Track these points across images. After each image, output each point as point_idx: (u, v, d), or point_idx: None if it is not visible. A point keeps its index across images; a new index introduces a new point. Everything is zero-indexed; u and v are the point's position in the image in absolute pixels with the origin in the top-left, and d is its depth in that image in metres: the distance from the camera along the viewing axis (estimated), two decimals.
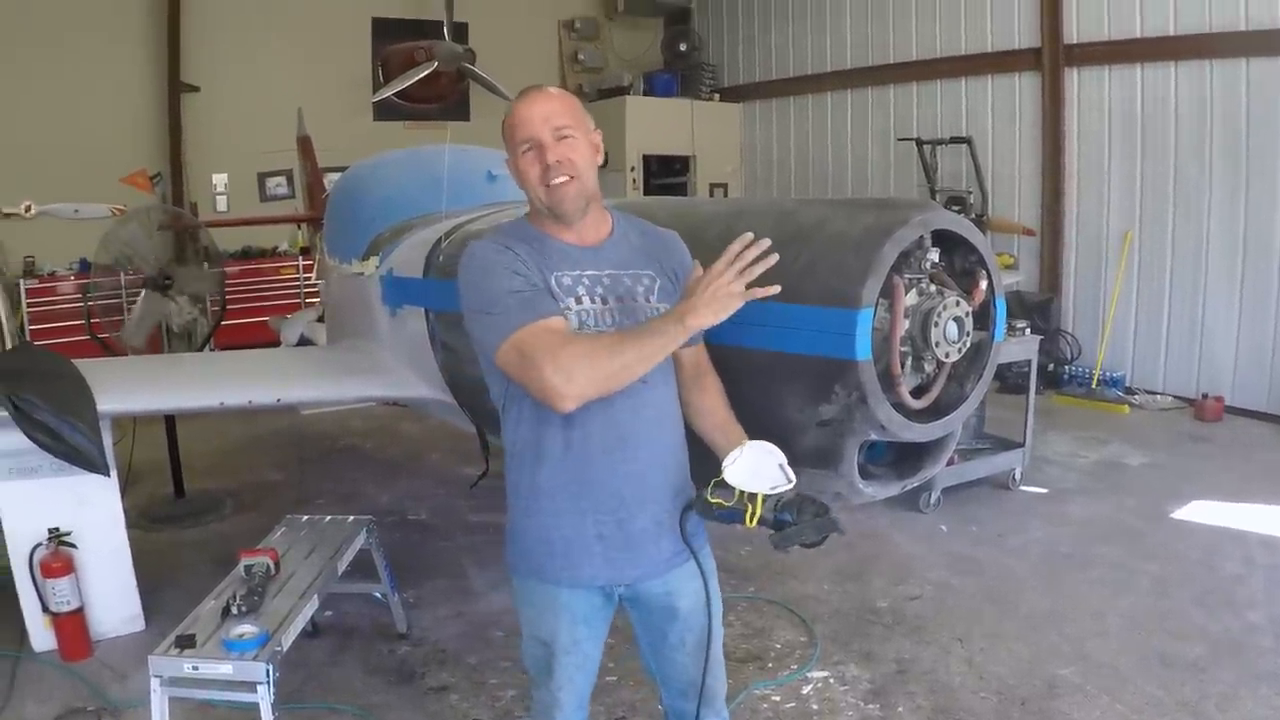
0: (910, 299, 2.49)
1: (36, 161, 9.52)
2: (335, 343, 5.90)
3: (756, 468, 2.08)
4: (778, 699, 3.85)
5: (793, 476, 2.09)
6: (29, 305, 9.72)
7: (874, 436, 2.54)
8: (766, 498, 2.08)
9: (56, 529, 4.17)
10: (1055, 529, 5.58)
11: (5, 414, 3.91)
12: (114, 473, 4.30)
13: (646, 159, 12.69)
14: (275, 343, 8.11)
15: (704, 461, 2.30)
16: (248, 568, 3.57)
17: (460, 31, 10.53)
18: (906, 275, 2.47)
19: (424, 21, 10.87)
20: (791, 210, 2.82)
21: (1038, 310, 8.92)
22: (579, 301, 2.22)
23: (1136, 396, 8.63)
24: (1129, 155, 8.83)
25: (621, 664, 3.80)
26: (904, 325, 2.47)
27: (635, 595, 2.40)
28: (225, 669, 2.97)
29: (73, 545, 4.19)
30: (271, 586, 3.50)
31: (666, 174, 13.01)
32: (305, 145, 9.47)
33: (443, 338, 4.13)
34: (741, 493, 2.08)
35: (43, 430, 3.94)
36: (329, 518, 4.30)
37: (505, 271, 2.16)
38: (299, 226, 11.00)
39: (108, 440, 4.21)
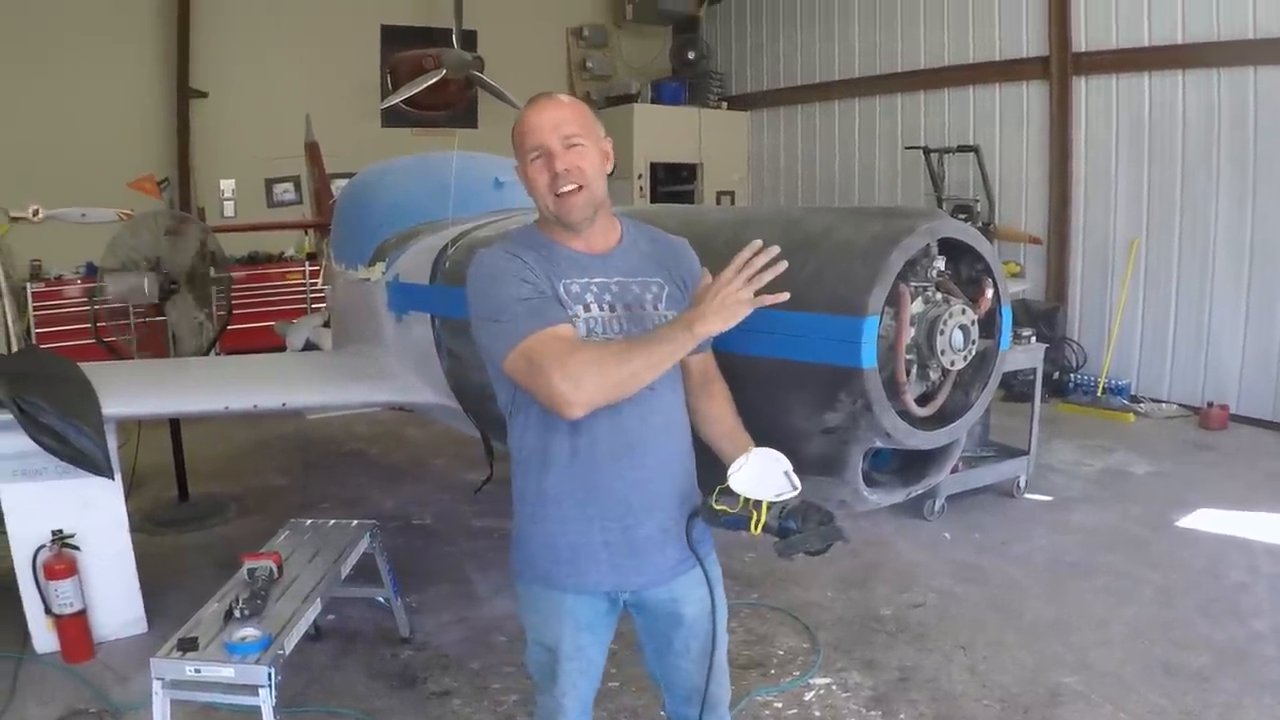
0: (916, 307, 2.48)
1: (44, 166, 9.56)
2: (341, 348, 5.91)
3: (762, 475, 2.08)
4: (780, 706, 3.84)
5: (798, 484, 2.09)
6: (35, 308, 9.75)
7: (879, 444, 2.54)
8: (771, 505, 2.08)
9: (60, 531, 4.17)
10: (1059, 537, 5.57)
11: (11, 416, 3.92)
12: (118, 476, 4.30)
13: (654, 167, 12.73)
14: (281, 348, 8.12)
15: (711, 468, 2.30)
16: (251, 571, 3.57)
17: (469, 39, 10.58)
18: (913, 283, 2.47)
19: (433, 29, 10.88)
20: (798, 218, 2.82)
21: (1043, 318, 8.91)
22: (587, 309, 2.22)
23: (1142, 405, 8.61)
24: (1136, 164, 8.82)
25: (624, 670, 3.80)
26: (909, 333, 2.47)
27: (640, 602, 2.40)
28: (227, 672, 2.97)
29: (76, 547, 4.19)
30: (274, 590, 3.50)
31: (674, 182, 13.04)
32: (313, 151, 9.49)
33: (448, 344, 4.13)
34: (746, 500, 2.08)
35: (48, 433, 3.96)
36: (333, 522, 4.30)
37: (513, 279, 2.16)
38: (306, 232, 11.02)
39: (112, 443, 4.22)
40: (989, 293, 2.61)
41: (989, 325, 2.64)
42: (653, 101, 13.14)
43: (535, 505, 2.31)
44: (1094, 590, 4.86)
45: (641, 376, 2.06)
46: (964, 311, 2.52)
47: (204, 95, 10.98)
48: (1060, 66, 9.20)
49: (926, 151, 10.09)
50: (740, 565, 5.02)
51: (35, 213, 9.03)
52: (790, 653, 4.26)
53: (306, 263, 11.16)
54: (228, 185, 11.35)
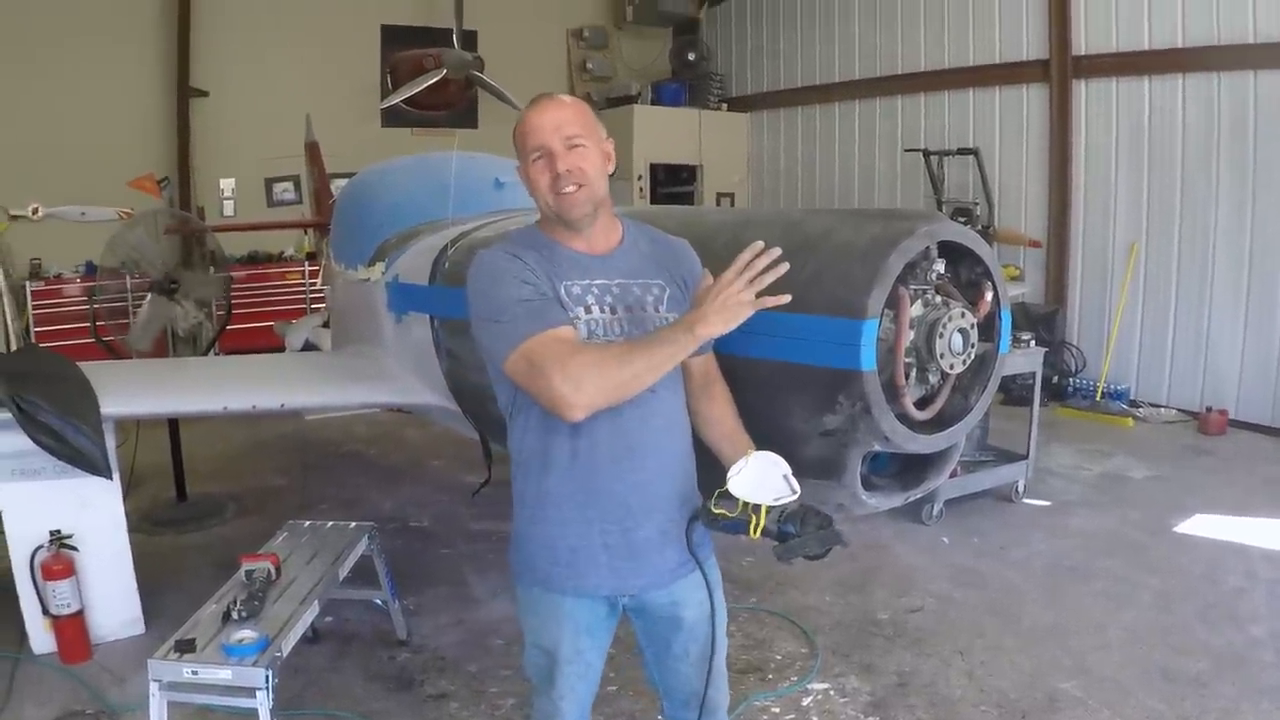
0: (915, 310, 2.48)
1: (44, 164, 9.58)
2: (340, 348, 5.90)
3: (761, 479, 2.07)
4: (778, 710, 3.83)
5: (797, 488, 2.08)
6: (34, 307, 9.74)
7: (877, 447, 2.54)
8: (770, 509, 2.07)
9: (58, 531, 4.16)
10: (1058, 542, 5.57)
11: (9, 415, 3.92)
12: (116, 475, 4.30)
13: (654, 168, 12.73)
14: (280, 348, 8.12)
15: (711, 470, 2.29)
16: (249, 572, 3.56)
17: (469, 39, 10.58)
18: (912, 286, 2.47)
19: (433, 29, 10.88)
20: (798, 220, 2.82)
21: (1043, 322, 8.92)
22: (588, 310, 2.22)
23: (1141, 409, 8.61)
24: (1136, 167, 8.83)
25: (622, 673, 3.79)
26: (909, 336, 2.47)
27: (640, 605, 2.39)
28: (224, 674, 2.96)
29: (74, 548, 4.18)
30: (272, 592, 3.50)
31: (674, 183, 13.04)
32: (313, 151, 9.49)
33: (448, 345, 4.13)
34: (745, 504, 2.07)
35: (46, 432, 3.95)
36: (331, 523, 4.29)
37: (514, 280, 2.16)
38: (305, 232, 11.02)
39: (111, 443, 4.22)
40: (988, 296, 2.61)
41: (988, 329, 2.64)
42: (653, 103, 13.15)
43: (535, 507, 2.30)
44: (1092, 595, 4.85)
45: (643, 378, 2.06)
46: (963, 315, 2.51)
47: (204, 94, 10.97)
48: (1060, 70, 9.20)
49: (926, 154, 10.10)
50: (738, 569, 5.01)
51: (35, 211, 9.04)
52: (788, 657, 4.25)
53: (306, 263, 11.16)
54: (228, 184, 11.35)
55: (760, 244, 2.00)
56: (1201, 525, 5.81)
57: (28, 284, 9.79)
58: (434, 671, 4.12)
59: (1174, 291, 8.65)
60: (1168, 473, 6.92)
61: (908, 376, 2.50)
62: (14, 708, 3.83)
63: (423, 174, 5.38)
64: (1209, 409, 8.12)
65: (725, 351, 2.44)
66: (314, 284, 10.68)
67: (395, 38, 11.72)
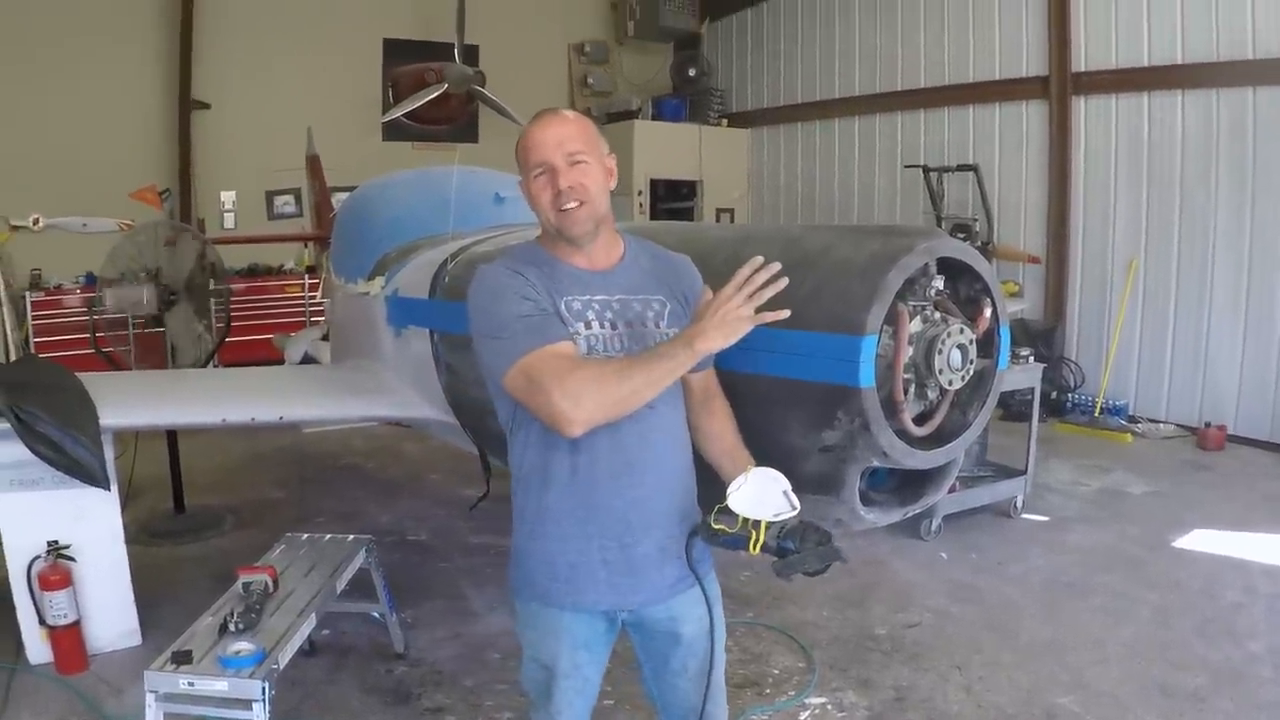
0: (914, 326, 2.49)
1: (46, 175, 9.59)
2: (339, 362, 5.91)
3: (760, 495, 2.07)
4: None
5: (797, 504, 2.08)
6: (34, 318, 9.75)
7: (876, 463, 2.54)
8: (770, 525, 2.07)
9: (55, 542, 4.16)
10: (1056, 557, 5.56)
11: (7, 426, 3.92)
12: (114, 486, 4.30)
13: (654, 183, 12.78)
14: (279, 361, 8.12)
15: (711, 486, 2.30)
16: (246, 585, 3.56)
17: (470, 54, 10.61)
18: (911, 302, 2.48)
19: (435, 43, 10.92)
20: (797, 236, 2.82)
21: (1042, 338, 8.93)
22: (588, 326, 2.22)
23: (1139, 425, 8.61)
24: (1135, 184, 8.85)
25: (619, 688, 3.78)
26: (908, 352, 2.47)
27: (639, 620, 2.39)
28: (221, 686, 2.96)
29: (71, 558, 4.18)
30: (269, 604, 3.49)
31: (674, 199, 13.08)
32: (314, 164, 9.51)
33: (447, 359, 4.13)
34: (745, 519, 2.07)
35: (45, 443, 3.95)
36: (328, 536, 4.29)
37: (514, 296, 2.16)
38: (305, 245, 11.03)
39: (109, 454, 4.22)
40: (987, 312, 2.61)
41: (987, 344, 2.64)
42: (653, 118, 13.19)
43: (535, 523, 2.30)
44: (1090, 610, 4.85)
45: (642, 394, 2.06)
46: (962, 331, 2.52)
47: (206, 106, 11.01)
48: (1060, 86, 9.23)
49: (926, 170, 10.12)
50: (736, 584, 5.01)
51: (36, 221, 9.04)
52: (786, 672, 4.25)
53: (306, 276, 11.17)
54: (228, 197, 11.37)
55: (759, 259, 2.01)
56: (1200, 540, 5.81)
57: (28, 294, 9.80)
58: (431, 685, 4.11)
59: (1173, 307, 8.67)
60: (1166, 488, 6.92)
61: (906, 392, 2.50)
62: (10, 718, 3.82)
63: (423, 188, 5.39)
64: (1208, 424, 8.12)
65: (725, 367, 2.44)
66: (314, 297, 10.69)
67: (397, 52, 11.77)
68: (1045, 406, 8.14)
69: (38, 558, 4.15)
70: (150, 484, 6.24)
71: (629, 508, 2.25)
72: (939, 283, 2.52)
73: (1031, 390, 6.37)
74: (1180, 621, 4.68)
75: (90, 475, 4.05)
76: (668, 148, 12.76)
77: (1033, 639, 4.53)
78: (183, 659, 3.02)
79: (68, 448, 3.98)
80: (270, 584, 3.60)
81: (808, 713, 3.91)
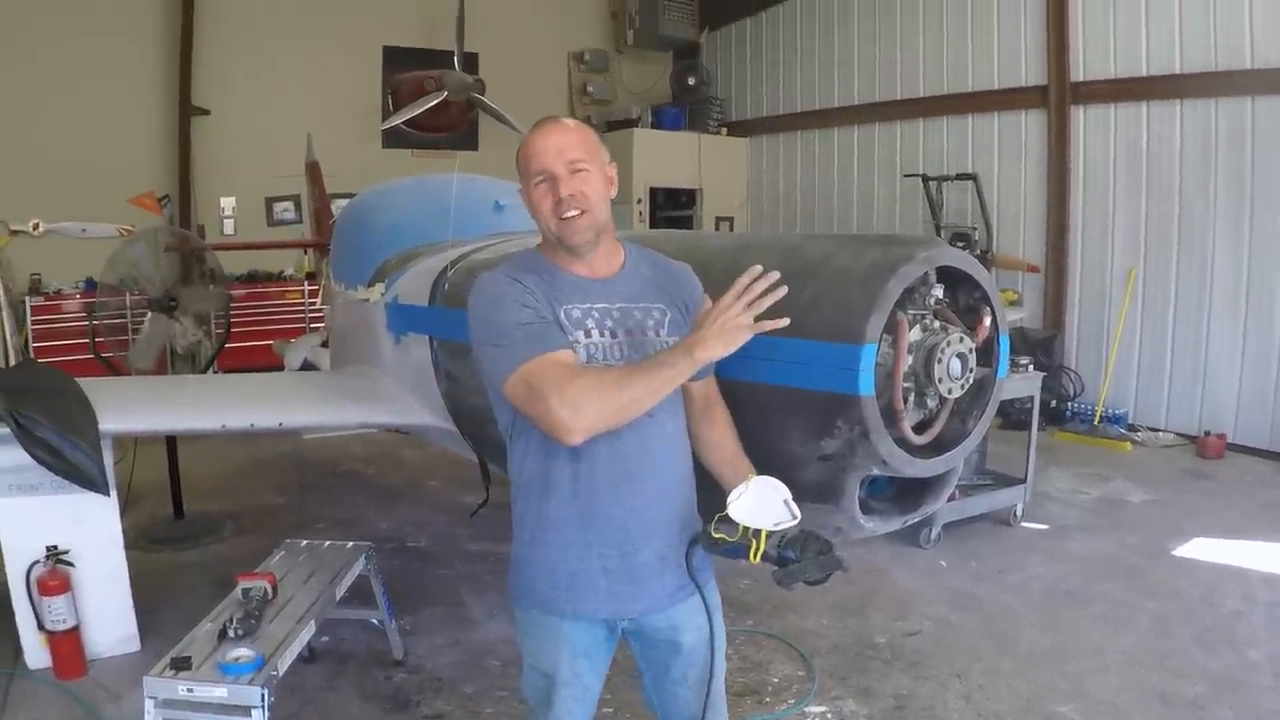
0: (914, 335, 2.49)
1: (46, 180, 9.61)
2: (339, 368, 5.91)
3: (761, 504, 2.07)
4: None
5: (797, 513, 2.08)
6: (34, 323, 9.75)
7: (875, 471, 2.54)
8: (770, 534, 2.07)
9: (55, 547, 4.16)
10: (1056, 565, 5.56)
11: (7, 431, 3.92)
12: (114, 492, 4.29)
13: (654, 191, 12.78)
14: (279, 367, 8.12)
15: (711, 494, 2.30)
16: (245, 591, 3.56)
17: (470, 62, 10.64)
18: (911, 311, 2.48)
19: (434, 51, 10.95)
20: (797, 245, 2.83)
21: (1041, 347, 8.93)
22: (588, 335, 2.22)
23: (1139, 433, 8.62)
24: (1134, 193, 8.86)
25: (618, 695, 3.78)
26: (907, 361, 2.47)
27: (639, 629, 2.39)
28: (220, 692, 2.96)
29: (70, 564, 4.18)
30: (269, 610, 3.49)
31: (673, 207, 13.10)
32: (314, 171, 9.52)
33: (446, 366, 4.14)
34: (745, 528, 2.07)
35: (44, 448, 3.95)
36: (328, 543, 4.29)
37: (514, 304, 2.17)
38: (305, 251, 11.04)
39: (108, 459, 4.21)
40: (987, 321, 2.61)
41: (986, 353, 2.64)
42: (653, 126, 13.20)
43: (535, 530, 2.30)
44: (1090, 619, 4.85)
45: (641, 402, 2.06)
46: (962, 339, 2.52)
47: (206, 113, 11.01)
48: (1059, 95, 9.25)
49: (925, 179, 10.12)
50: (736, 592, 5.00)
51: (36, 226, 9.06)
52: (785, 680, 4.24)
53: (305, 282, 11.17)
54: (228, 203, 11.37)
55: (759, 268, 2.01)
56: (1199, 549, 5.81)
57: (27, 299, 9.80)
58: (430, 692, 4.10)
59: (1172, 316, 8.68)
60: (1166, 497, 6.92)
61: (906, 401, 2.50)
62: None
63: (423, 195, 5.40)
64: (1207, 433, 8.13)
65: (725, 375, 2.45)
66: (313, 303, 10.69)
67: (397, 59, 11.79)
68: (1045, 415, 8.14)
69: (37, 563, 4.15)
70: (150, 490, 6.24)
71: (629, 516, 2.25)
72: (938, 291, 2.52)
73: (1031, 399, 6.37)
74: (1180, 630, 4.68)
75: (89, 480, 4.05)
76: (667, 156, 12.77)
77: (1032, 647, 4.53)
78: (182, 665, 3.02)
79: (67, 453, 3.98)
80: (270, 590, 3.60)
81: None
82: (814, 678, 4.23)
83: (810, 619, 4.84)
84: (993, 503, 6.14)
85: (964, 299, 2.66)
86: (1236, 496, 6.95)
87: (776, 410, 2.58)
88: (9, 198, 9.51)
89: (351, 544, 4.27)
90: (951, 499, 4.39)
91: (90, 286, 9.37)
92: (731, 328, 1.99)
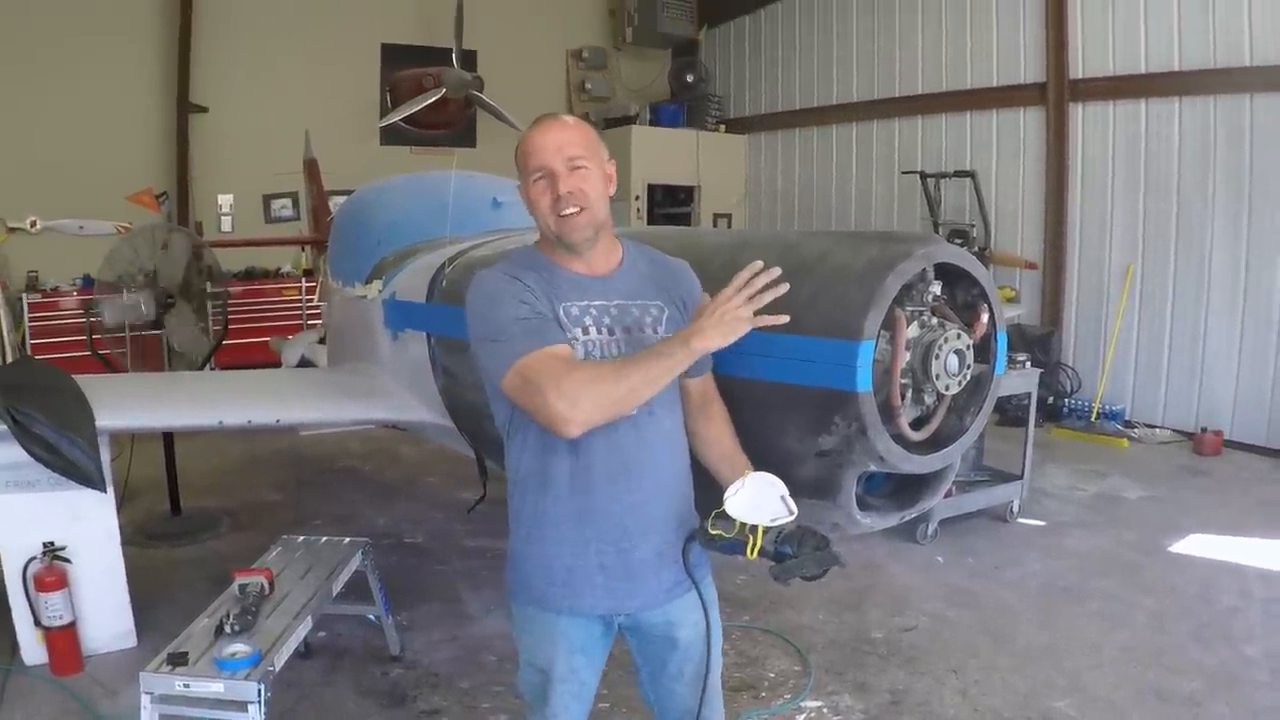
0: (912, 331, 2.49)
1: (44, 177, 9.59)
2: (336, 365, 5.90)
3: (758, 499, 2.07)
4: None
5: (794, 509, 2.08)
6: (31, 320, 9.73)
7: (873, 468, 2.54)
8: (767, 530, 2.07)
9: (51, 543, 4.16)
10: (1052, 562, 5.57)
11: (4, 427, 3.91)
12: (110, 488, 4.29)
13: (652, 188, 12.77)
14: (276, 364, 8.11)
15: (709, 491, 2.30)
16: (242, 587, 3.56)
17: (469, 59, 10.63)
18: (908, 308, 2.48)
19: (433, 48, 10.93)
20: (795, 242, 2.83)
21: (1038, 343, 8.93)
22: (585, 332, 2.22)
23: (1136, 430, 8.63)
24: (1132, 190, 8.87)
25: (615, 691, 3.77)
26: (905, 357, 2.47)
27: (635, 625, 2.39)
28: (217, 687, 2.96)
29: (67, 560, 4.18)
30: (265, 606, 3.49)
31: (671, 204, 13.09)
32: (311, 168, 9.52)
33: (444, 363, 4.13)
34: (742, 524, 2.07)
35: (41, 444, 3.95)
36: (325, 539, 4.29)
37: (512, 300, 2.17)
38: (303, 248, 11.03)
39: (105, 456, 4.20)
40: (984, 317, 2.62)
41: (984, 350, 2.64)
42: (651, 123, 13.18)
43: (531, 526, 2.31)
44: (1086, 615, 4.86)
45: (640, 392, 2.05)
46: (959, 336, 2.52)
47: (204, 110, 11.00)
48: (1057, 93, 9.25)
49: (923, 176, 10.12)
50: (732, 587, 5.01)
51: (33, 224, 9.05)
52: (782, 675, 4.25)
53: (303, 279, 11.15)
54: (226, 200, 11.36)
55: (759, 264, 2.01)
56: (1196, 545, 5.82)
57: (24, 296, 9.78)
58: (426, 687, 4.11)
59: (1169, 313, 8.68)
60: (1163, 493, 6.93)
61: (903, 397, 2.50)
62: (4, 718, 3.81)
63: (421, 192, 5.40)
64: (1204, 430, 8.14)
65: (722, 372, 2.45)
66: (310, 300, 10.68)
67: (395, 57, 11.77)
68: (1042, 411, 8.17)
69: (33, 559, 4.15)
70: (146, 486, 6.24)
71: (626, 512, 2.25)
72: (936, 288, 2.53)
73: (1028, 395, 6.38)
74: (1176, 626, 4.69)
75: (86, 477, 4.04)
76: (665, 153, 12.76)
77: (1029, 643, 4.54)
78: (178, 661, 3.02)
79: (64, 449, 3.97)
80: (266, 586, 3.60)
81: (804, 716, 3.91)
82: (810, 673, 4.23)
83: (807, 614, 4.84)
84: (990, 499, 6.15)
85: (962, 296, 2.66)
86: (1233, 493, 6.96)
87: (774, 406, 2.58)
88: (7, 195, 9.49)
89: (348, 540, 4.27)
90: (948, 495, 4.39)
91: (88, 284, 9.36)
92: (730, 319, 1.99)
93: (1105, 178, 9.08)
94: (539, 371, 2.05)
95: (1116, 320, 8.96)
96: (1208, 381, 8.42)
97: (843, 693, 4.08)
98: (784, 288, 2.01)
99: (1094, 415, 8.90)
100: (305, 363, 7.43)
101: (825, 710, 3.95)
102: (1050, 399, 9.00)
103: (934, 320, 2.54)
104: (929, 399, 2.58)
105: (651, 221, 12.53)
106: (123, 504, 4.92)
